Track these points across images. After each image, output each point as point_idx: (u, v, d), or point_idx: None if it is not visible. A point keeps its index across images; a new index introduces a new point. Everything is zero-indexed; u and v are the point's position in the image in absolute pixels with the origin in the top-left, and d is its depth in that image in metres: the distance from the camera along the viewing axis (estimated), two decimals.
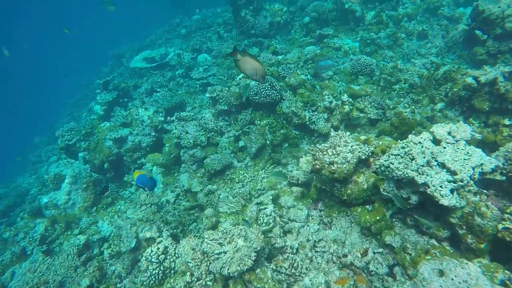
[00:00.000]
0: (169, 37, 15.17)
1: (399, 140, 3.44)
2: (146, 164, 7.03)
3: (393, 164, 3.05)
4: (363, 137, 4.10)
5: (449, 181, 2.91)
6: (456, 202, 2.87)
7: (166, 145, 6.78)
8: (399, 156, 3.05)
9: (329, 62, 7.48)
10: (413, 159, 2.95)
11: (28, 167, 12.48)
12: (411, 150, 2.97)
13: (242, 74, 7.71)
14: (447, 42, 8.12)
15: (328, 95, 5.56)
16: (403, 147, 3.08)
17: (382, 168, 3.20)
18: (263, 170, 5.89)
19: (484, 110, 4.91)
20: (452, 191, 2.91)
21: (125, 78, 12.13)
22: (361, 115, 5.38)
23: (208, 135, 6.66)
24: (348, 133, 4.00)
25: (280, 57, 8.86)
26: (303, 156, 4.88)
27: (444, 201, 2.84)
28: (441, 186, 2.83)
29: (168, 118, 7.45)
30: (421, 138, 3.09)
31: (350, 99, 5.45)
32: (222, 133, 6.95)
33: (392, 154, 3.13)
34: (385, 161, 3.16)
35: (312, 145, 4.29)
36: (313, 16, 10.06)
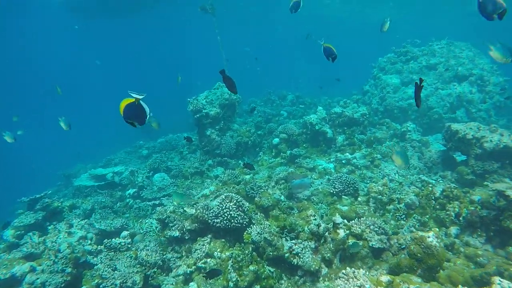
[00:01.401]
0: (129, 157, 14.11)
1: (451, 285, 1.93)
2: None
3: None
4: (384, 279, 2.55)
5: None
6: None
7: (84, 287, 4.61)
8: None
9: (306, 180, 6.40)
10: None
11: None
12: None
13: (201, 193, 6.34)
14: (426, 163, 7.58)
15: (315, 216, 4.16)
16: None
17: None
18: None
19: None
20: None
21: (67, 198, 10.21)
22: (360, 243, 3.91)
23: (148, 273, 4.67)
24: (361, 271, 2.46)
25: (247, 176, 7.76)
26: None
27: None
28: None
29: (98, 247, 5.46)
30: None
31: (345, 221, 4.06)
32: (169, 270, 4.99)
33: None
34: None
35: None
36: (283, 138, 9.61)
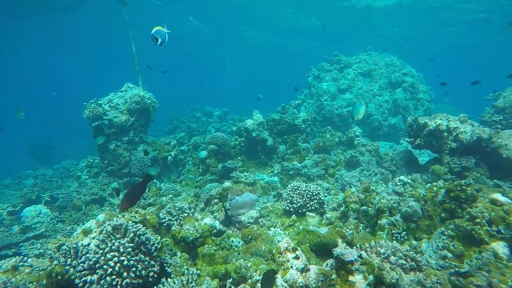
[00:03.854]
0: (3, 191, 10.14)
1: None
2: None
3: None
4: None
5: None
6: None
7: None
8: None
9: (251, 196, 4.25)
10: None
11: None
12: None
13: (81, 228, 3.69)
14: (388, 167, 6.15)
15: (294, 250, 1.98)
16: None
17: None
18: None
19: None
20: None
21: None
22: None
23: None
24: None
25: (164, 198, 5.27)
26: None
27: None
28: None
29: None
30: None
31: (364, 254, 1.96)
32: None
33: None
34: None
35: None
36: (212, 150, 7.40)
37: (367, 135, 9.44)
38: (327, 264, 1.93)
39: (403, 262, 2.10)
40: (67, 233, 4.68)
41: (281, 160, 7.08)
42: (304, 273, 1.81)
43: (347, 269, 1.68)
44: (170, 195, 5.41)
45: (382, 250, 2.16)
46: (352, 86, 10.17)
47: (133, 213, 3.56)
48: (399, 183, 4.37)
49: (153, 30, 3.88)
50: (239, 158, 7.52)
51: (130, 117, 7.35)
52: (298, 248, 1.89)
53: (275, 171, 6.72)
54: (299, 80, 12.42)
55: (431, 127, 5.28)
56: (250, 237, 3.46)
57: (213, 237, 3.39)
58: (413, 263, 2.10)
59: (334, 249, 1.76)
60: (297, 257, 1.83)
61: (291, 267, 1.79)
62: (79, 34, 23.53)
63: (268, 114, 12.72)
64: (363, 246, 2.35)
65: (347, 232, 2.94)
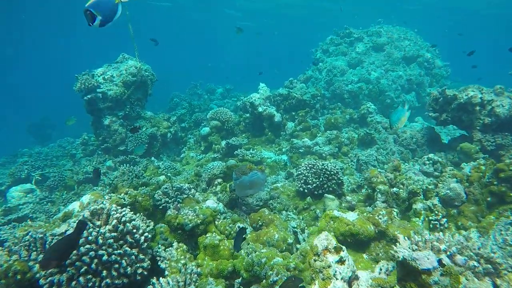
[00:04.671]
0: None
1: None
2: None
3: None
4: None
5: None
6: None
7: None
8: None
9: (259, 175, 3.66)
10: None
11: None
12: None
13: (63, 211, 3.15)
14: (407, 144, 5.53)
15: (339, 251, 1.40)
16: None
17: None
18: None
19: None
20: None
21: None
22: None
23: None
24: None
25: (161, 177, 4.70)
26: None
27: None
28: None
29: None
30: None
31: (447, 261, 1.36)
32: None
33: None
34: None
35: None
36: (215, 126, 6.78)
37: (379, 112, 8.77)
38: (380, 269, 1.35)
39: (474, 264, 1.52)
40: (51, 216, 4.15)
41: (289, 137, 6.46)
42: (351, 283, 1.24)
43: (420, 281, 1.11)
44: (169, 174, 4.84)
45: (443, 246, 1.58)
46: (364, 60, 9.39)
47: (122, 194, 2.98)
48: (427, 162, 3.77)
49: (89, 2, 2.15)
50: (243, 135, 6.91)
51: (126, 90, 6.67)
52: (343, 247, 1.30)
53: (283, 149, 6.12)
54: (306, 56, 11.60)
55: (461, 100, 4.61)
56: (260, 223, 2.90)
57: (217, 223, 2.84)
58: (488, 265, 1.53)
59: (399, 250, 1.18)
60: (341, 261, 1.24)
61: (334, 275, 1.21)
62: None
63: (274, 90, 11.94)
64: (412, 238, 1.77)
65: (380, 219, 2.36)
